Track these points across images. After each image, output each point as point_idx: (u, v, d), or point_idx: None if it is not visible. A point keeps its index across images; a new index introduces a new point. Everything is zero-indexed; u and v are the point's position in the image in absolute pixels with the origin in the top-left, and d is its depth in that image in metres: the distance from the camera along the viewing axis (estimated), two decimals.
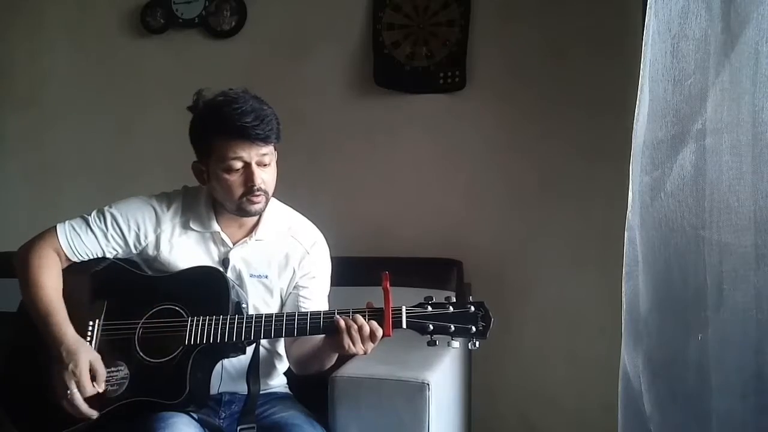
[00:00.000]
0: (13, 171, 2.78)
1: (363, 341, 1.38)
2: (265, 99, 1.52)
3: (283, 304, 1.63)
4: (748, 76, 1.06)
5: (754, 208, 1.05)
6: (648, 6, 1.20)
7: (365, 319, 1.39)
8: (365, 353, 1.40)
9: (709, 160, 1.12)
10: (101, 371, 1.40)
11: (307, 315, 1.43)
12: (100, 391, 1.40)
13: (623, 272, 1.28)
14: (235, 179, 1.49)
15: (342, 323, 1.38)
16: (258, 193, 1.50)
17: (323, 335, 1.45)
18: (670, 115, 1.17)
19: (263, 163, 1.50)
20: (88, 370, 1.39)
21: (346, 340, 1.38)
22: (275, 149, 1.53)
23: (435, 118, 2.32)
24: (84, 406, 1.38)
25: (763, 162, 1.04)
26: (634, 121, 1.24)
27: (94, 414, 1.39)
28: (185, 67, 2.52)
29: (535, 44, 2.22)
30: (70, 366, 1.37)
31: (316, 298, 1.63)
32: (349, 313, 1.41)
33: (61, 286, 1.51)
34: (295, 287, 1.62)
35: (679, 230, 1.16)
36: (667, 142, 1.18)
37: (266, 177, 1.51)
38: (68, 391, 1.37)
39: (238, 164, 1.48)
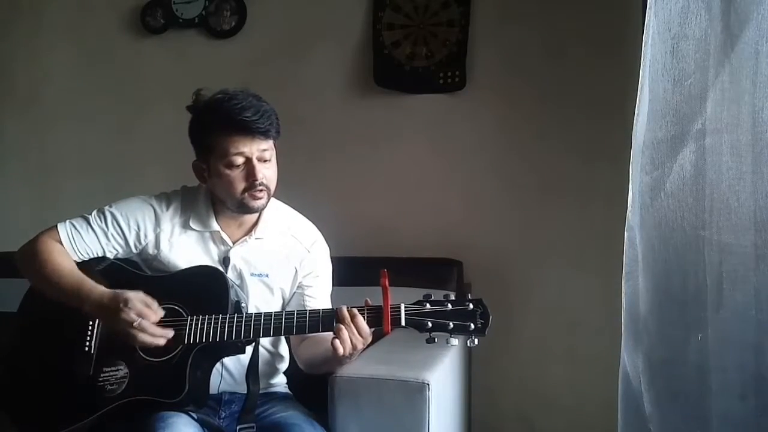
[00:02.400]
0: (13, 171, 2.78)
1: (351, 335, 1.39)
2: (265, 99, 1.53)
3: (285, 304, 1.63)
4: (748, 76, 1.06)
5: (754, 208, 1.05)
6: (648, 6, 1.20)
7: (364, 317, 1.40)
8: (354, 349, 1.40)
9: (708, 160, 1.12)
10: (151, 300, 1.42)
11: (305, 313, 1.44)
12: (162, 314, 1.42)
13: (623, 272, 1.28)
14: (236, 174, 1.49)
15: (344, 311, 1.40)
16: (260, 188, 1.50)
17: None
18: (669, 115, 1.17)
19: (264, 159, 1.51)
20: (140, 300, 1.40)
21: (343, 333, 1.39)
22: (275, 146, 1.54)
23: (435, 118, 2.32)
24: (157, 329, 1.40)
25: (763, 162, 1.04)
26: (634, 121, 1.24)
27: (170, 332, 1.41)
28: (185, 67, 2.52)
29: (535, 44, 2.23)
30: (121, 305, 1.39)
31: (320, 296, 1.64)
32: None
33: (76, 266, 1.52)
34: (299, 287, 1.63)
35: (679, 230, 1.16)
36: (667, 142, 1.18)
37: (268, 173, 1.51)
38: (134, 323, 1.37)
39: (240, 160, 1.48)
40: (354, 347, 1.40)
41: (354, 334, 1.39)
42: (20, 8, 2.73)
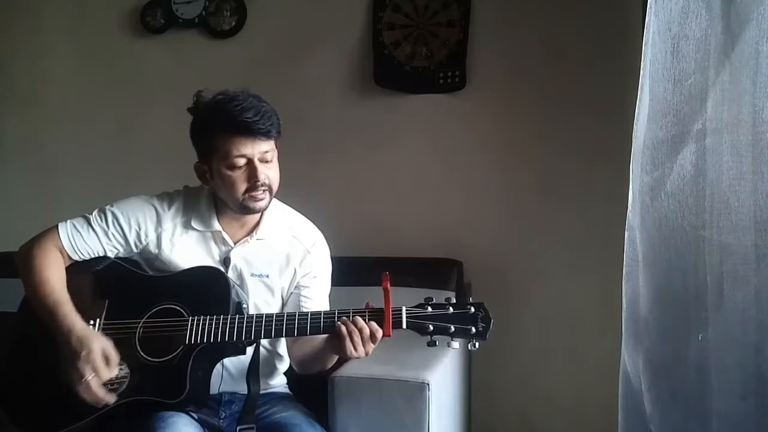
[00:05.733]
0: (13, 171, 2.78)
1: (364, 343, 1.39)
2: (265, 99, 1.53)
3: (284, 304, 1.63)
4: (749, 76, 1.06)
5: (755, 208, 1.05)
6: (648, 6, 1.20)
7: (365, 321, 1.39)
8: (366, 355, 1.40)
9: (709, 160, 1.12)
10: (113, 356, 1.40)
11: (307, 315, 1.44)
12: (114, 375, 1.40)
13: (623, 272, 1.28)
14: (238, 175, 1.49)
15: (343, 329, 1.38)
16: (262, 188, 1.50)
17: (324, 337, 1.45)
18: (670, 115, 1.17)
19: (265, 160, 1.51)
20: (101, 355, 1.38)
21: (348, 345, 1.38)
22: (276, 147, 1.54)
23: (435, 118, 2.32)
24: (102, 392, 1.38)
25: (763, 162, 1.04)
26: (634, 121, 1.24)
27: (111, 398, 1.39)
28: (185, 67, 2.52)
29: (535, 44, 2.23)
30: (83, 353, 1.37)
31: (318, 297, 1.63)
32: (349, 313, 1.41)
33: (65, 281, 1.51)
34: (296, 287, 1.63)
35: (680, 230, 1.16)
36: (668, 142, 1.18)
37: (270, 173, 1.51)
38: (84, 379, 1.36)
39: (242, 161, 1.48)
40: (366, 353, 1.40)
41: (359, 345, 1.38)
42: (20, 8, 2.73)
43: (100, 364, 1.38)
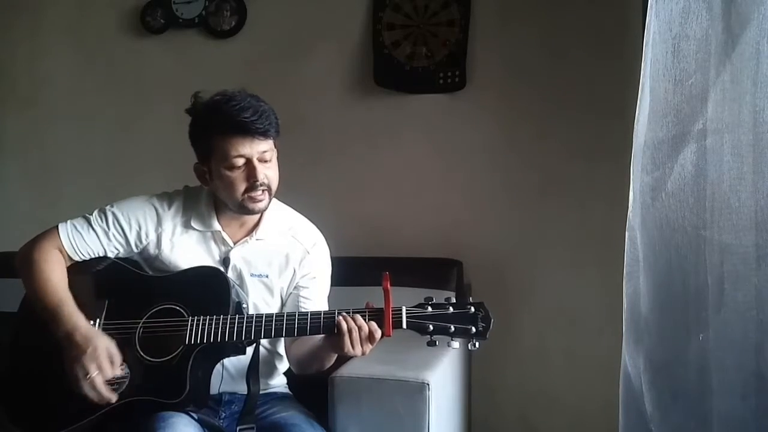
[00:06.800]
0: (13, 171, 2.78)
1: (362, 342, 1.39)
2: (266, 99, 1.53)
3: (283, 304, 1.63)
4: (749, 76, 1.05)
5: (755, 208, 1.05)
6: (648, 6, 1.20)
7: (365, 320, 1.39)
8: (363, 354, 1.40)
9: (709, 160, 1.12)
10: (117, 355, 1.40)
11: (307, 315, 1.44)
12: (118, 374, 1.40)
13: (624, 272, 1.28)
14: (237, 175, 1.49)
15: (343, 325, 1.38)
16: (261, 188, 1.50)
17: (322, 336, 1.45)
18: (670, 115, 1.17)
19: (264, 159, 1.51)
20: (106, 353, 1.39)
21: (347, 342, 1.38)
22: (275, 146, 1.54)
23: (435, 118, 2.32)
24: (105, 389, 1.38)
25: (764, 162, 1.04)
26: (635, 121, 1.24)
27: (114, 397, 1.39)
28: (185, 67, 2.52)
29: (535, 44, 2.23)
30: (89, 350, 1.37)
31: (316, 298, 1.63)
32: (349, 313, 1.41)
33: (67, 281, 1.51)
34: (295, 287, 1.63)
35: (680, 230, 1.16)
36: (668, 142, 1.18)
37: (269, 173, 1.51)
38: (89, 375, 1.36)
39: (240, 161, 1.48)
40: (363, 353, 1.40)
41: (357, 343, 1.39)
42: (20, 8, 2.73)
43: (105, 361, 1.38)
